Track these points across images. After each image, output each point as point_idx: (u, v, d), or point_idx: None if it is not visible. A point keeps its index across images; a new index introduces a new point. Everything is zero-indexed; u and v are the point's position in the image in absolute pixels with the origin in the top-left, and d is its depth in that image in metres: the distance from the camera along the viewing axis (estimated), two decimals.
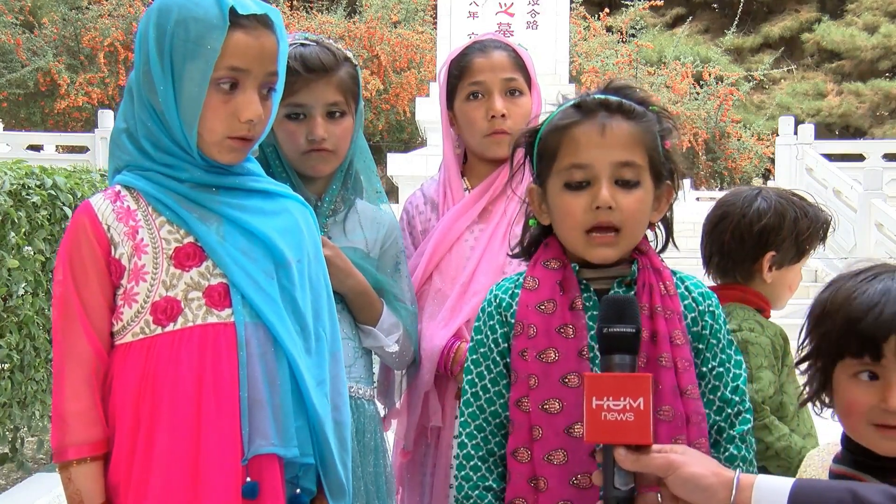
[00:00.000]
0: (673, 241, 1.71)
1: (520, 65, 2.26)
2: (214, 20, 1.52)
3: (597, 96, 1.59)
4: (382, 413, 2.22)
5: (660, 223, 1.69)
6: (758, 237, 2.13)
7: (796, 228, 2.14)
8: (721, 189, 18.52)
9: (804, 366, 1.53)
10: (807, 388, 1.52)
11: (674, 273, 1.67)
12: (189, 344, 1.55)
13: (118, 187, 1.63)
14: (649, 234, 1.68)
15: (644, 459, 1.33)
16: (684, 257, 1.72)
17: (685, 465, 1.32)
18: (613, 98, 1.59)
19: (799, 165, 13.33)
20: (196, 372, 1.54)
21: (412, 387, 2.22)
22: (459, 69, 2.26)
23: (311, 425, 1.61)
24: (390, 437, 2.25)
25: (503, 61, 2.24)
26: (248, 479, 1.54)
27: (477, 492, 1.60)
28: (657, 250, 1.68)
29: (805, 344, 1.51)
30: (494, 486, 1.60)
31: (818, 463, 1.60)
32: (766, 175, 20.07)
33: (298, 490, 1.65)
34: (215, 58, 1.53)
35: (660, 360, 1.56)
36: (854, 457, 1.46)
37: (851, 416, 1.44)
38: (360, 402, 2.07)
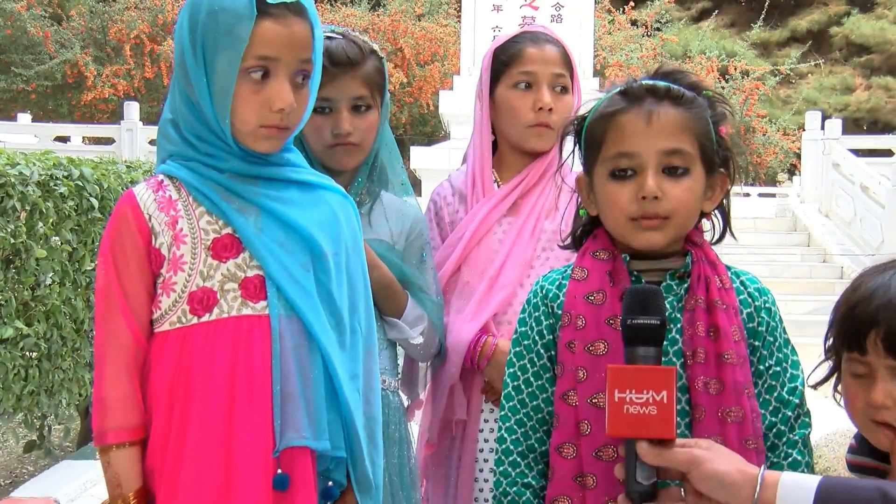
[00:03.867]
0: (731, 231, 1.64)
1: (567, 63, 2.23)
2: (243, 10, 1.52)
3: (644, 82, 1.54)
4: (406, 404, 2.23)
5: (717, 213, 1.62)
6: None
7: None
8: (746, 184, 18.38)
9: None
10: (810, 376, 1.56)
11: (728, 268, 1.60)
12: (223, 335, 1.56)
13: (161, 176, 1.64)
14: (706, 223, 1.62)
15: (667, 454, 1.30)
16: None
17: (709, 460, 1.29)
18: (661, 83, 1.53)
19: (826, 161, 13.20)
20: (229, 363, 1.55)
21: (437, 379, 2.21)
22: (508, 56, 2.21)
23: (343, 419, 1.61)
24: (414, 428, 2.24)
25: (555, 56, 2.21)
26: (280, 470, 1.54)
27: (515, 488, 1.55)
28: (712, 242, 1.62)
29: (827, 335, 1.52)
30: (534, 483, 1.55)
31: (830, 454, 1.59)
32: (792, 171, 19.88)
33: (330, 483, 1.65)
34: (243, 47, 1.53)
35: (725, 357, 1.50)
36: (872, 446, 1.46)
37: (852, 412, 1.46)
38: (385, 392, 2.07)
